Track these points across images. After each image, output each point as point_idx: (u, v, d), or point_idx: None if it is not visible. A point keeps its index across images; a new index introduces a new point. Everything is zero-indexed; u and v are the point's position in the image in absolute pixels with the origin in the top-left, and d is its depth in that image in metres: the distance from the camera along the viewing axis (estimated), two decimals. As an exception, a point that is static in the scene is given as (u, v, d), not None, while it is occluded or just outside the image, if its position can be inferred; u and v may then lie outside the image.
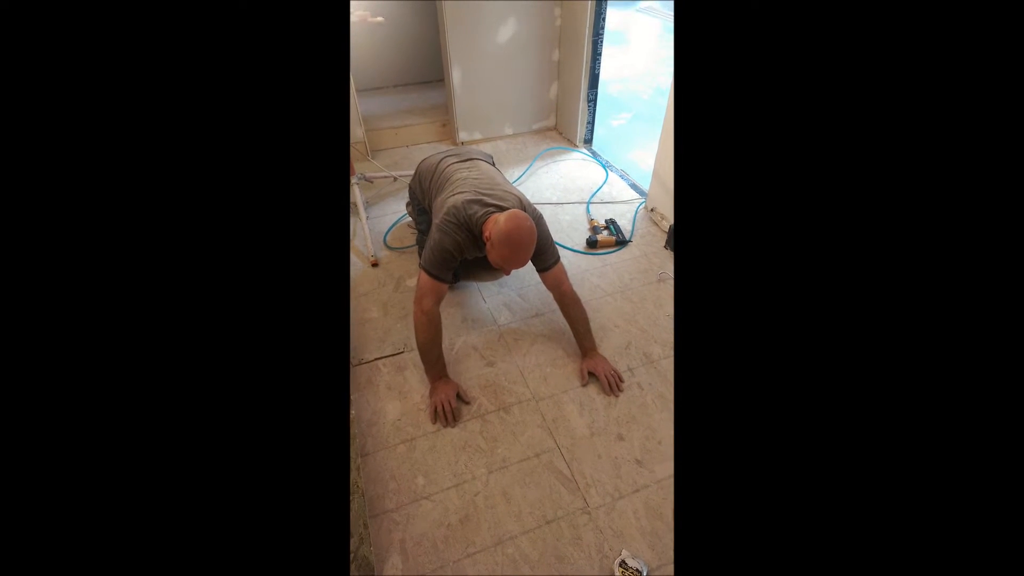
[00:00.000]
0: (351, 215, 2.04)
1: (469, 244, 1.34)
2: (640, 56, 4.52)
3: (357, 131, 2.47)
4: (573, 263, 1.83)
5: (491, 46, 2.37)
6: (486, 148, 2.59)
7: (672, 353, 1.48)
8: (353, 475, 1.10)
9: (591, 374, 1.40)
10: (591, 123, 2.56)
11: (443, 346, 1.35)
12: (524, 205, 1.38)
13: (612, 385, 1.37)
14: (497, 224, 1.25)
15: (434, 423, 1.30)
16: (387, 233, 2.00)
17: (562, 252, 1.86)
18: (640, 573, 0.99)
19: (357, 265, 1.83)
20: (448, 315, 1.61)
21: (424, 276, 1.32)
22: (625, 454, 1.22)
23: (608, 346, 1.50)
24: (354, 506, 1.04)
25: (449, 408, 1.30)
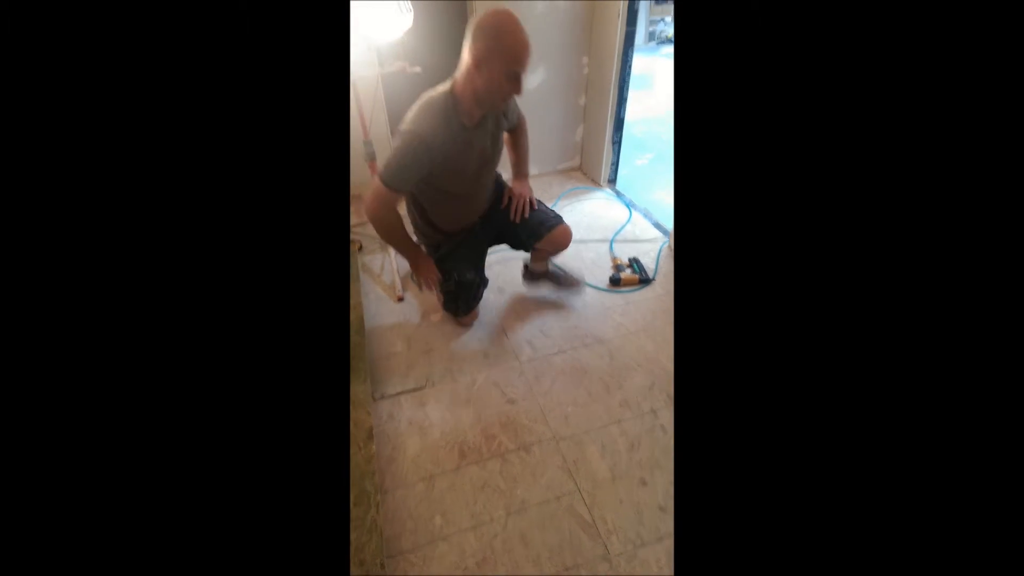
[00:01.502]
0: (382, 251, 2.11)
1: (446, 126, 1.21)
2: (663, 99, 4.62)
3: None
4: (596, 300, 1.83)
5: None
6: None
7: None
8: (372, 513, 1.10)
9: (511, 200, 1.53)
10: (615, 164, 2.61)
11: (464, 381, 1.36)
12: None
13: (517, 208, 1.48)
14: (467, 35, 1.14)
15: (421, 290, 1.57)
16: (414, 269, 2.06)
17: (585, 289, 1.88)
18: (664, 631, 0.94)
19: (383, 300, 1.88)
20: (469, 350, 1.62)
21: (377, 185, 1.23)
22: (648, 500, 1.18)
23: (631, 386, 1.48)
24: (372, 545, 1.03)
25: (433, 278, 1.51)
